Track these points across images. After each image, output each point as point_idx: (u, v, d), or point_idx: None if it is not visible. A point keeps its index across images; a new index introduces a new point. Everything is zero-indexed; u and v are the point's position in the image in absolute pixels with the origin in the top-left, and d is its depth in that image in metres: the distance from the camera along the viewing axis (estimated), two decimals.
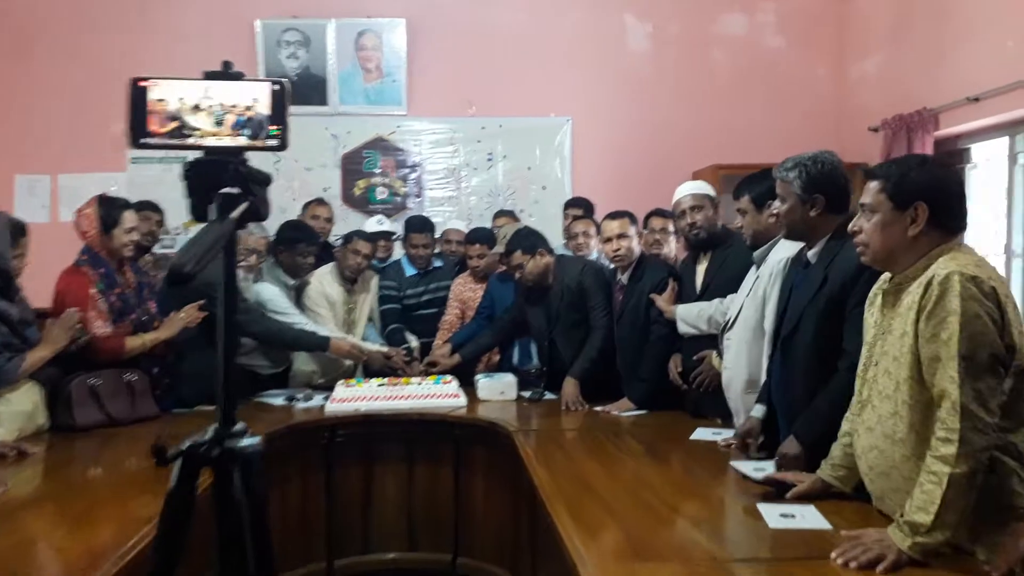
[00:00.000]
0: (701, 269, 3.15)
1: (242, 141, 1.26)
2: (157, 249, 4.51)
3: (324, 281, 3.87)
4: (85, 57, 5.14)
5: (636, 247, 3.34)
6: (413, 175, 5.36)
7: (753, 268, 2.75)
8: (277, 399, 3.52)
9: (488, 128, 5.35)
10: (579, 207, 4.41)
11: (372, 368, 3.74)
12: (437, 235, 4.36)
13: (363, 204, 5.29)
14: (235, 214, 1.21)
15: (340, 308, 3.91)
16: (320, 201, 4.43)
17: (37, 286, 2.98)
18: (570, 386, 3.35)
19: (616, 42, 5.48)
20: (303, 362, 3.89)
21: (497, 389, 3.47)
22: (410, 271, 4.14)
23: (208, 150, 1.27)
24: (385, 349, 3.80)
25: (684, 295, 3.19)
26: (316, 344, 3.62)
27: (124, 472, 2.50)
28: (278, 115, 1.28)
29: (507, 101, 5.36)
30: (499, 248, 3.84)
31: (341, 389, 3.40)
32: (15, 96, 5.12)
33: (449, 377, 3.59)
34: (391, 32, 5.26)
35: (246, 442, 1.32)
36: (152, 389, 3.16)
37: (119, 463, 2.59)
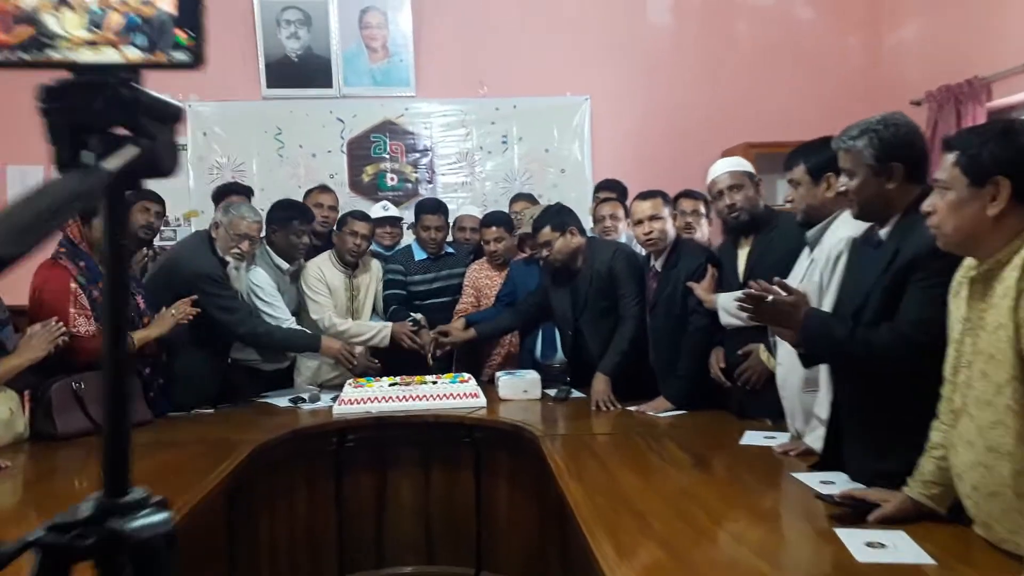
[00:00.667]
0: (743, 254, 2.85)
1: (133, 55, 0.76)
2: (158, 242, 4.23)
3: (323, 266, 3.62)
4: None
5: (671, 230, 3.04)
6: (424, 160, 5.08)
7: (806, 251, 2.45)
8: (281, 400, 3.26)
9: (502, 109, 5.06)
10: (610, 190, 4.12)
11: (356, 371, 3.46)
12: (450, 221, 4.07)
13: (372, 191, 5.01)
14: (112, 163, 0.71)
15: (342, 294, 3.65)
16: (323, 188, 4.15)
17: (16, 282, 2.72)
18: (600, 383, 3.07)
19: (636, 15, 5.17)
20: (308, 357, 3.63)
21: (519, 387, 3.19)
22: (420, 255, 3.87)
23: (78, 69, 0.74)
24: (385, 325, 3.57)
25: (725, 283, 2.89)
26: (306, 344, 3.40)
27: None
28: (189, 15, 0.76)
29: (521, 80, 5.07)
30: (525, 228, 3.56)
31: (349, 389, 3.13)
32: (3, 83, 4.85)
33: (466, 375, 3.31)
34: (397, 8, 4.97)
35: (146, 521, 0.76)
36: (144, 391, 2.91)
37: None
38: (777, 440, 2.44)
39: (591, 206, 4.15)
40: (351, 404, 3.01)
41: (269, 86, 4.95)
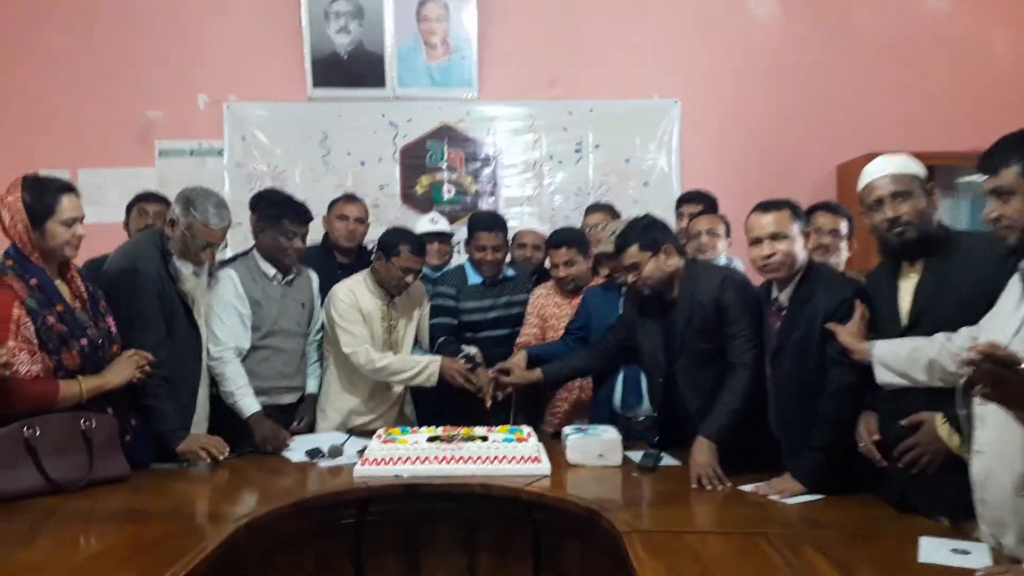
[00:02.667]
0: (907, 286, 2.09)
1: None
2: None
3: (356, 292, 2.97)
4: (108, 40, 4.41)
5: (801, 252, 2.29)
6: (486, 170, 4.45)
7: (1017, 287, 1.70)
8: (295, 453, 2.62)
9: (576, 113, 4.39)
10: (698, 202, 3.40)
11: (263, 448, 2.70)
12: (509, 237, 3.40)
13: (426, 204, 4.40)
14: None
15: (377, 324, 3.00)
16: (349, 197, 3.53)
17: None
18: (704, 452, 2.33)
19: (735, 5, 4.47)
20: (336, 394, 2.99)
21: (594, 450, 2.47)
22: (474, 279, 3.20)
23: None
24: (433, 359, 2.91)
25: (879, 325, 2.13)
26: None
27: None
28: None
29: (600, 80, 4.41)
30: (605, 246, 2.86)
31: (376, 444, 2.46)
32: (29, 83, 4.44)
33: (526, 430, 2.61)
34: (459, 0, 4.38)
35: None
36: (121, 435, 2.30)
37: (59, 557, 1.72)
38: (974, 559, 1.67)
39: (679, 224, 3.43)
40: (376, 464, 2.35)
41: (315, 85, 4.41)
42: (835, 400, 2.17)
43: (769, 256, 2.27)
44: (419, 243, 2.99)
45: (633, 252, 2.51)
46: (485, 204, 4.43)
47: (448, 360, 2.89)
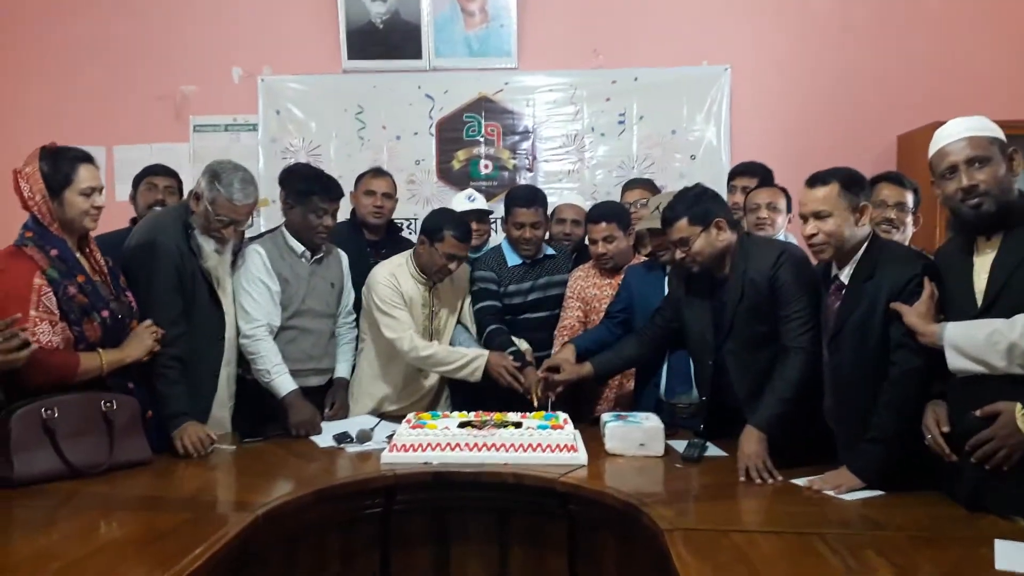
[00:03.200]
0: (983, 263, 1.89)
1: None
2: None
3: (398, 276, 2.83)
4: (141, 15, 4.35)
5: (852, 229, 2.09)
6: (524, 144, 4.28)
7: None
8: (323, 438, 2.53)
9: (620, 82, 4.20)
10: (752, 175, 3.19)
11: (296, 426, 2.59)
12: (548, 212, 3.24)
13: (463, 180, 4.26)
14: None
15: (418, 311, 2.87)
16: (377, 171, 3.40)
17: None
18: (753, 443, 2.16)
19: None
20: (369, 380, 2.89)
21: (634, 439, 2.32)
22: (513, 260, 3.05)
23: None
24: (480, 353, 2.76)
25: (951, 306, 1.93)
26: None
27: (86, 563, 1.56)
28: None
29: (644, 47, 4.21)
30: (647, 222, 2.69)
31: (404, 429, 2.34)
32: (62, 60, 4.41)
33: (561, 416, 2.47)
34: None
35: None
36: (143, 416, 2.24)
37: (76, 544, 1.64)
38: None
39: (731, 199, 3.23)
40: (404, 451, 2.24)
41: (350, 57, 4.29)
42: (899, 387, 1.98)
43: (812, 236, 2.08)
44: (465, 228, 2.82)
45: (682, 226, 2.33)
46: (523, 180, 4.27)
47: (496, 356, 2.73)
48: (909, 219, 2.52)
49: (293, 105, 4.32)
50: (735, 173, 3.36)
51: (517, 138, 4.28)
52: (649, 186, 3.42)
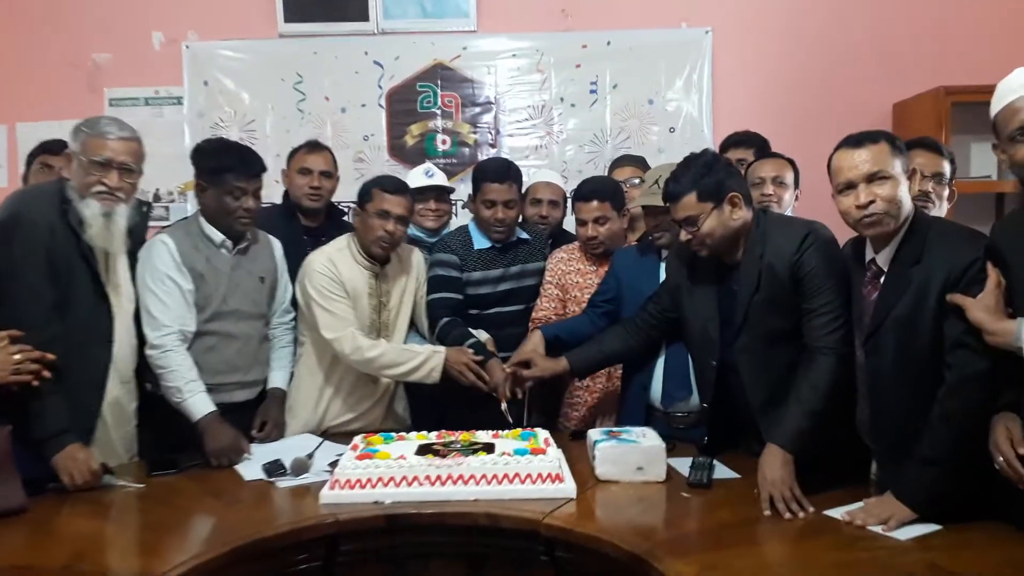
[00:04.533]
0: None
1: None
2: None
3: (337, 261, 2.39)
4: None
5: (907, 198, 1.72)
6: (486, 116, 3.84)
7: None
8: (249, 467, 2.07)
9: (591, 47, 3.77)
10: (748, 146, 2.81)
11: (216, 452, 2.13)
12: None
13: (418, 157, 3.81)
14: None
15: (364, 302, 2.43)
16: (313, 146, 2.93)
17: None
18: (777, 466, 1.78)
19: None
20: (309, 390, 2.44)
21: (630, 462, 1.92)
22: (481, 243, 2.62)
23: None
24: (435, 351, 2.34)
25: (1020, 297, 1.56)
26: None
27: None
28: None
29: (618, 7, 3.79)
30: (645, 198, 2.28)
31: (350, 460, 1.89)
32: (11, 43, 3.84)
33: (542, 435, 2.06)
34: None
35: None
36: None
37: None
38: None
39: None
40: (349, 488, 1.80)
41: (287, 20, 3.79)
42: (958, 396, 1.61)
43: (868, 204, 1.69)
44: (395, 180, 2.45)
45: (689, 202, 1.92)
46: (485, 156, 3.83)
47: (454, 352, 2.33)
48: (945, 192, 2.15)
49: (223, 74, 3.82)
50: (728, 144, 2.97)
51: (478, 110, 3.83)
52: (642, 164, 3.03)
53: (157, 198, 3.89)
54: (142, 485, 1.92)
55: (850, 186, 1.73)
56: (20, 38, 3.80)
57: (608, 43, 3.76)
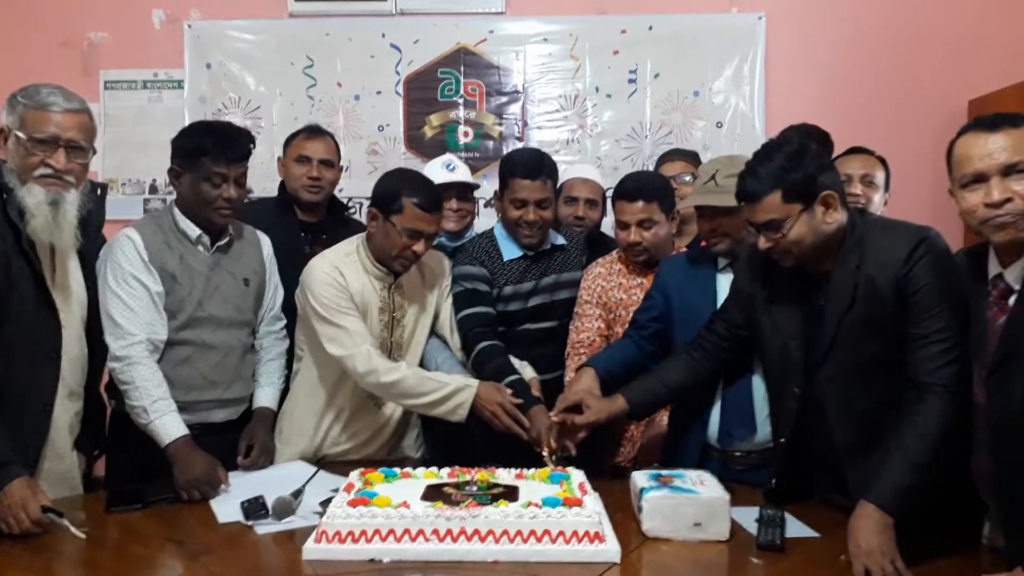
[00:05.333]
0: None
1: None
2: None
3: (343, 269, 2.04)
4: None
5: None
6: (513, 106, 3.51)
7: None
8: (225, 505, 1.73)
9: (631, 32, 3.44)
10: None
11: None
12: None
13: (437, 150, 3.46)
14: None
15: (374, 318, 2.08)
16: (312, 131, 2.59)
17: None
18: (873, 531, 1.42)
19: None
20: (306, 413, 2.11)
21: (687, 516, 1.56)
22: (511, 252, 2.26)
23: None
24: (465, 384, 1.98)
25: None
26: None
27: None
28: None
29: None
30: (700, 196, 1.92)
31: (340, 503, 1.54)
32: None
33: (576, 478, 1.70)
34: None
35: None
36: None
37: None
38: None
39: None
40: (340, 543, 1.45)
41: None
42: None
43: (1003, 202, 1.33)
44: (432, 192, 2.05)
45: (772, 204, 1.56)
46: (511, 150, 3.50)
47: (489, 388, 1.96)
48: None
49: (227, 57, 3.54)
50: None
51: (504, 99, 3.50)
52: (693, 159, 2.68)
53: (154, 189, 3.61)
54: (83, 535, 1.56)
55: (979, 179, 1.38)
56: (7, 15, 3.54)
57: (650, 28, 3.43)
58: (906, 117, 3.34)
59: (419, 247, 2.00)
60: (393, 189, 2.01)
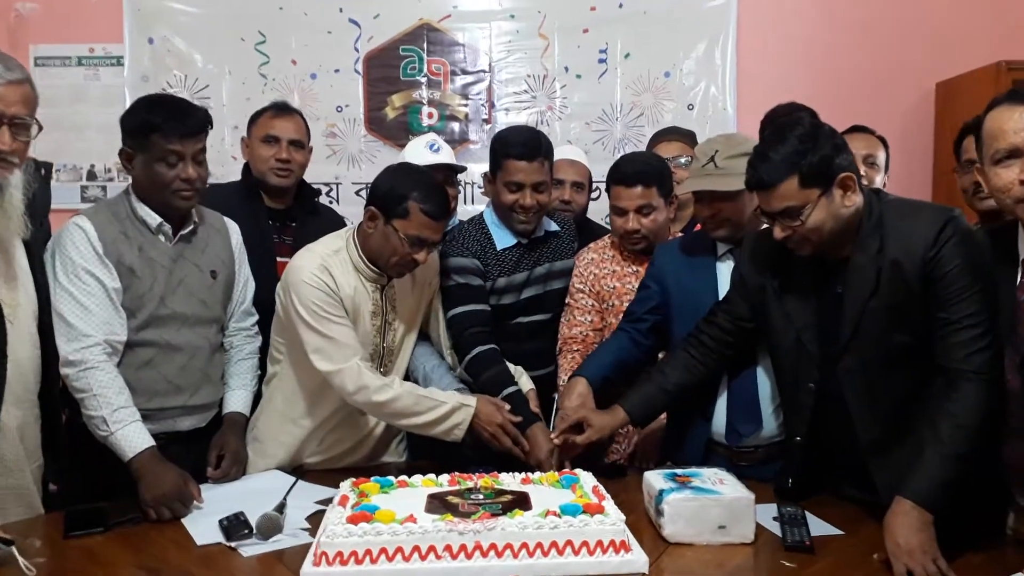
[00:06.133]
0: None
1: None
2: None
3: (332, 268, 1.85)
4: None
5: None
6: (479, 86, 3.37)
7: None
8: (201, 525, 1.56)
9: (601, 9, 3.34)
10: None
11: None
12: None
13: (399, 133, 3.34)
14: None
15: (365, 322, 1.91)
16: (281, 108, 2.40)
17: None
18: (913, 529, 1.34)
19: None
20: (282, 421, 1.93)
21: (711, 519, 1.46)
22: (504, 240, 2.10)
23: None
24: (462, 401, 1.83)
25: None
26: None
27: None
28: None
29: None
30: (700, 180, 1.80)
31: (337, 523, 1.38)
32: None
33: (588, 481, 1.59)
34: None
35: None
36: None
37: None
38: None
39: None
40: (340, 565, 1.31)
41: None
42: None
43: None
44: (441, 196, 1.86)
45: (789, 191, 1.46)
46: (477, 134, 3.37)
47: (487, 407, 1.82)
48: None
49: (171, 31, 3.31)
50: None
51: (470, 79, 3.36)
52: (691, 140, 2.57)
53: (92, 176, 3.35)
54: (32, 572, 1.37)
55: (1013, 154, 1.32)
56: None
57: (620, 6, 3.34)
58: (875, 100, 3.32)
59: (421, 256, 1.83)
60: (400, 190, 1.81)
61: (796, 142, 1.48)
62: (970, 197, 2.19)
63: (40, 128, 1.52)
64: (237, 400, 1.91)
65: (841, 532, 1.54)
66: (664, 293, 1.92)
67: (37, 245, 1.64)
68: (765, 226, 1.62)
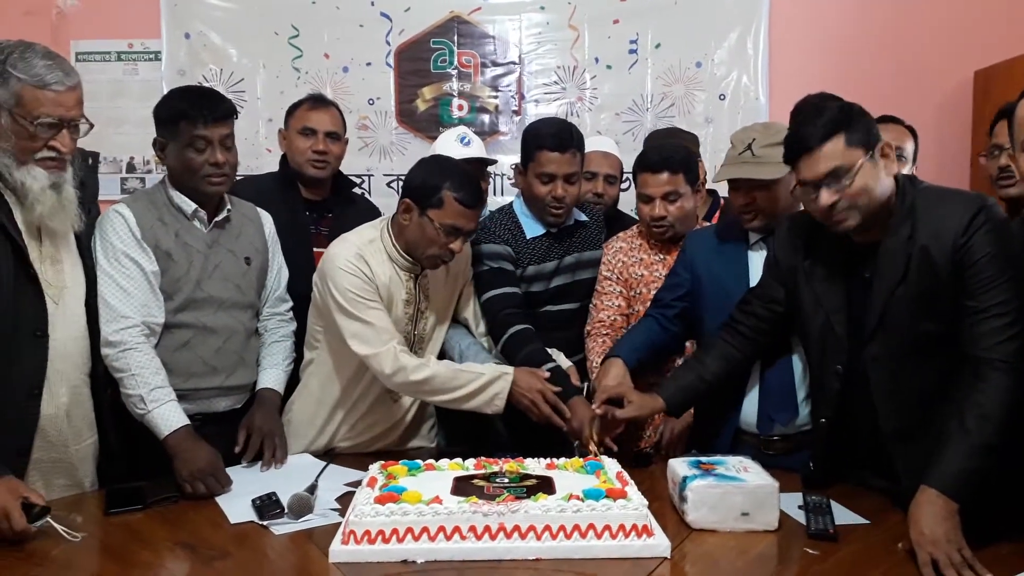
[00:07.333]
0: None
1: None
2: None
3: (368, 257, 1.88)
4: None
5: None
6: (509, 78, 3.38)
7: None
8: (235, 503, 1.61)
9: (631, 1, 3.28)
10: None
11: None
12: None
13: (429, 125, 3.37)
14: None
15: (399, 310, 1.94)
16: (317, 101, 2.44)
17: None
18: (938, 518, 1.33)
19: None
20: (317, 407, 1.98)
21: (734, 506, 1.47)
22: (533, 230, 2.13)
23: None
24: (500, 372, 1.84)
25: None
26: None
27: None
28: None
29: None
30: (737, 168, 1.80)
31: (366, 500, 1.42)
32: None
33: (612, 467, 1.60)
34: None
35: None
36: None
37: None
38: None
39: None
40: (369, 543, 1.34)
41: None
42: None
43: None
44: (474, 186, 1.88)
45: (835, 150, 1.46)
46: (507, 125, 3.39)
47: (525, 374, 1.83)
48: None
49: (207, 26, 3.37)
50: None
51: (500, 71, 3.39)
52: (693, 142, 2.59)
53: (132, 168, 3.44)
54: (78, 538, 1.43)
55: None
56: None
57: None
58: (910, 88, 3.27)
59: (456, 245, 1.86)
60: (433, 181, 1.84)
61: (835, 111, 1.49)
62: (994, 183, 2.16)
63: (91, 126, 1.58)
64: (269, 377, 1.95)
65: (866, 521, 1.53)
66: (695, 281, 1.93)
67: (86, 231, 1.70)
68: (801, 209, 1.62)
